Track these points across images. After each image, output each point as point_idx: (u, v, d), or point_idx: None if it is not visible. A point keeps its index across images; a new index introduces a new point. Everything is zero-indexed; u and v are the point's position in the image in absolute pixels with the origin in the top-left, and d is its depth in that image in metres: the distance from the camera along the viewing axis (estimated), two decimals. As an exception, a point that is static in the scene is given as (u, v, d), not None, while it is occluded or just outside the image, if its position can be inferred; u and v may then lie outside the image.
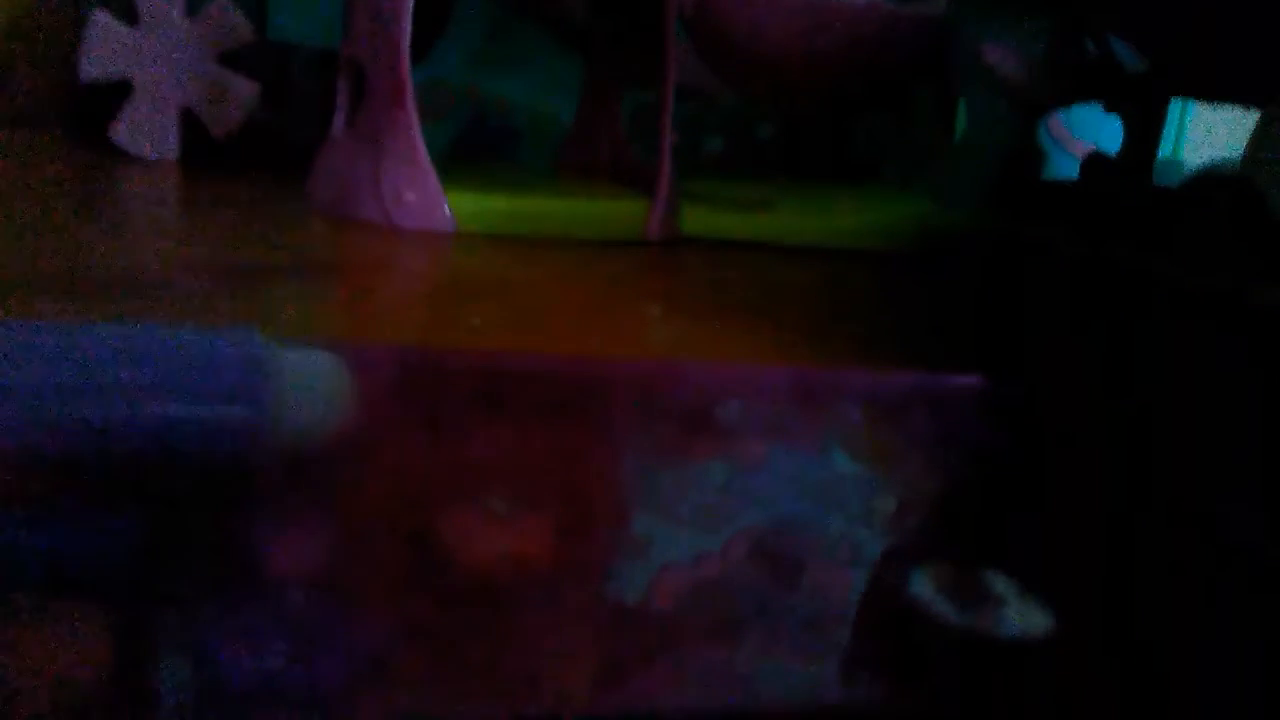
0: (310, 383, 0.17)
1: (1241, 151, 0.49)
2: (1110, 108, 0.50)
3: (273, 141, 0.49)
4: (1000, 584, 0.16)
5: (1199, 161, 0.66)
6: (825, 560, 0.21)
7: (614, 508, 0.23)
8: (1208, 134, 0.72)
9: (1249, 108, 0.47)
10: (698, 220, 0.45)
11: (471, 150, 0.56)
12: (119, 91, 0.48)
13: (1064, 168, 0.61)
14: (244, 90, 0.48)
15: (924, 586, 0.15)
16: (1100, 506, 0.23)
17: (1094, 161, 0.49)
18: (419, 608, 0.18)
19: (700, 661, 0.17)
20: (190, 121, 0.49)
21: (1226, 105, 0.51)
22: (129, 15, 0.47)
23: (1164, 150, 0.59)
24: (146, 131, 0.48)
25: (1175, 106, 0.67)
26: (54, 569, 0.15)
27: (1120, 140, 0.50)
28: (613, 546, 0.21)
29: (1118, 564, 0.20)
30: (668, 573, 0.20)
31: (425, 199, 0.40)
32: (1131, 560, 0.20)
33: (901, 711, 0.16)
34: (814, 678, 0.17)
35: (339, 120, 0.42)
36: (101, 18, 0.47)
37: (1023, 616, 0.15)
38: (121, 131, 0.48)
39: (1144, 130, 0.49)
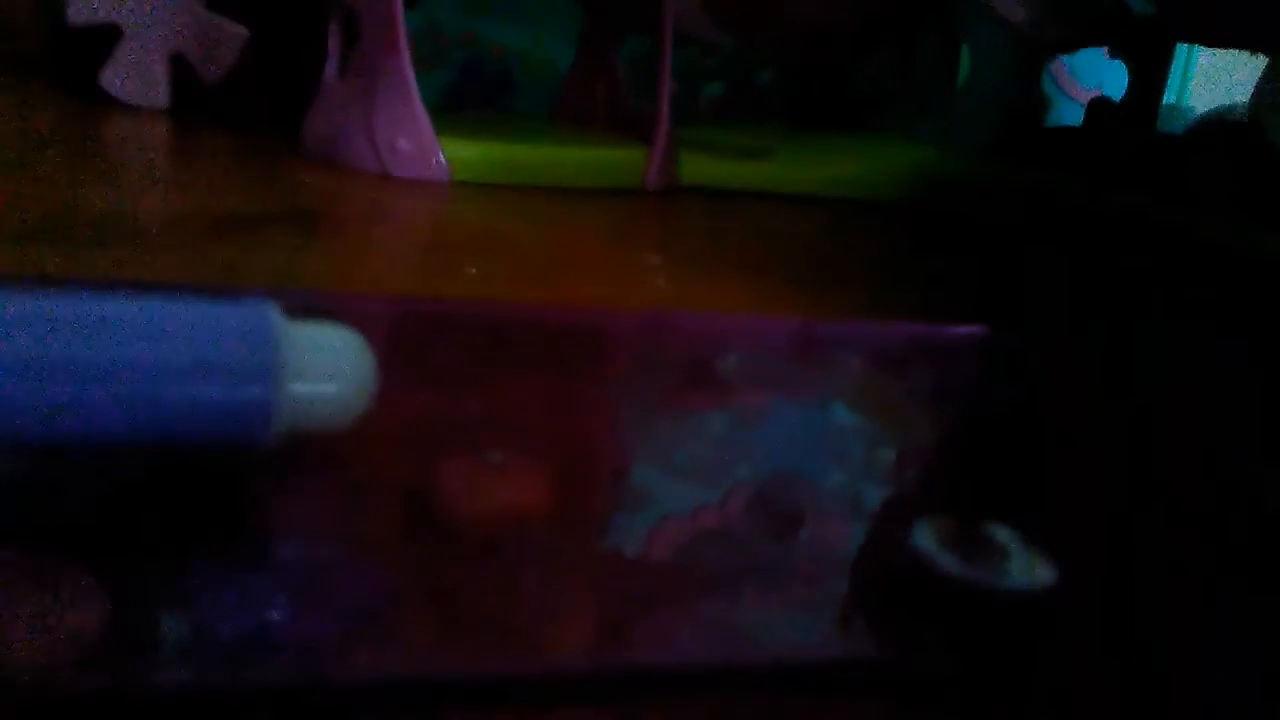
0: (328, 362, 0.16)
1: (1246, 97, 0.48)
2: (1115, 52, 0.49)
3: (264, 88, 0.49)
4: (1004, 536, 0.15)
5: (1203, 108, 0.66)
6: (825, 513, 0.21)
7: (612, 459, 0.22)
8: (1212, 80, 0.72)
9: (1254, 53, 0.46)
10: (696, 169, 0.45)
11: (466, 97, 0.55)
12: (108, 37, 0.47)
13: (1068, 114, 0.61)
14: (234, 35, 0.47)
15: (927, 539, 0.15)
16: (1103, 459, 0.23)
17: (1099, 107, 0.48)
18: (414, 561, 0.17)
19: (698, 614, 0.17)
20: (180, 67, 0.48)
21: (1231, 51, 0.50)
22: (116, -41, 0.46)
23: (1168, 97, 0.58)
24: (136, 77, 0.47)
25: (1180, 53, 0.66)
26: (45, 522, 0.14)
27: (1123, 87, 0.49)
28: (610, 499, 0.21)
29: (1121, 521, 0.20)
30: (665, 525, 0.20)
31: (419, 147, 0.39)
32: (1135, 522, 0.20)
33: (902, 665, 0.16)
34: (814, 631, 0.17)
35: (331, 67, 0.41)
36: (88, -39, 0.46)
37: (1027, 569, 0.15)
38: (110, 78, 0.47)
39: (1149, 76, 0.48)
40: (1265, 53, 0.44)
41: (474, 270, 0.27)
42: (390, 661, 0.15)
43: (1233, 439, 0.23)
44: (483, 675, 0.15)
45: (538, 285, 0.27)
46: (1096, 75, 0.62)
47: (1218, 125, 0.44)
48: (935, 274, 0.35)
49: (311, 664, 0.14)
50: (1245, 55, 0.48)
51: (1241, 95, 0.56)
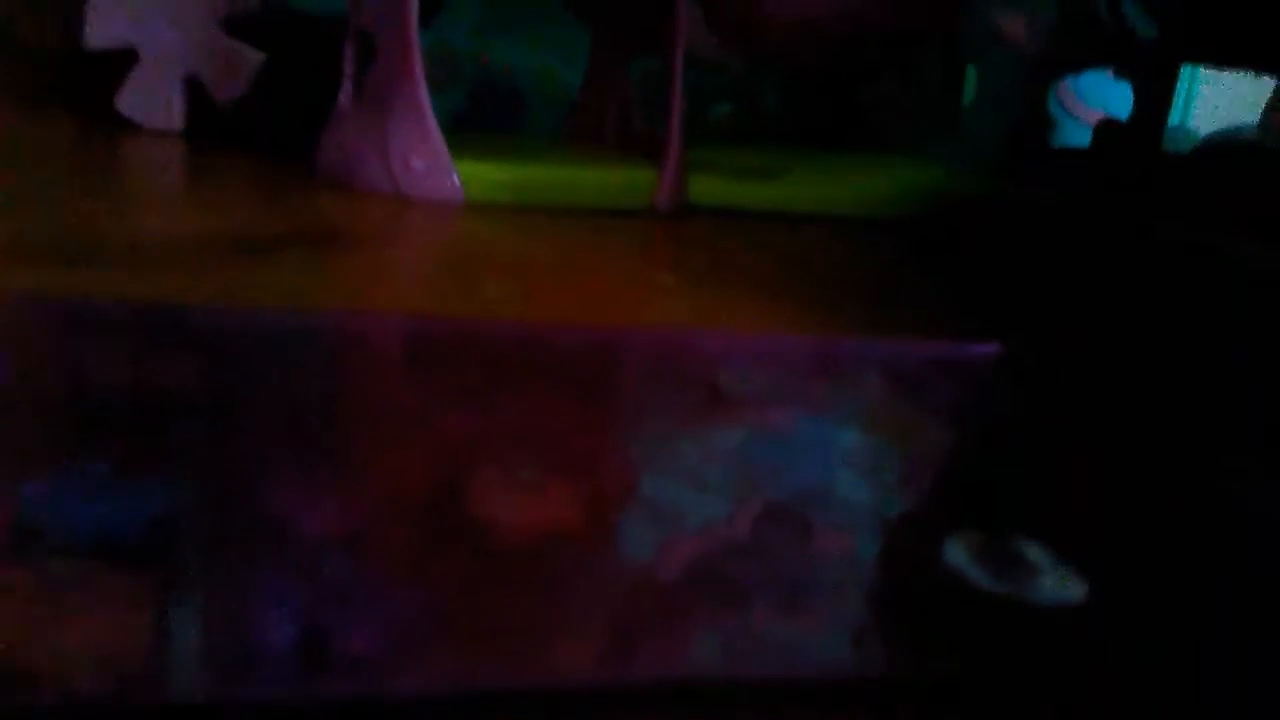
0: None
1: (1251, 118, 0.48)
2: (1121, 73, 0.50)
3: (279, 110, 0.49)
4: (1035, 553, 0.16)
5: (1207, 130, 0.66)
6: (837, 528, 0.21)
7: (627, 477, 0.23)
8: (1216, 102, 0.72)
9: (1259, 75, 0.46)
10: (706, 189, 0.45)
11: (477, 117, 0.55)
12: (123, 60, 0.48)
13: (1073, 135, 0.61)
14: (250, 58, 0.48)
15: (958, 554, 0.15)
16: (1114, 468, 0.23)
17: (1106, 128, 0.49)
18: (439, 577, 0.18)
19: (711, 628, 0.17)
20: (195, 90, 0.48)
21: (1237, 72, 0.50)
22: (132, -17, 0.47)
23: (1173, 119, 0.58)
24: (151, 101, 0.48)
25: (1183, 75, 0.66)
26: (90, 537, 0.15)
27: (1128, 109, 0.49)
28: (626, 515, 0.21)
29: (1141, 529, 0.20)
30: (680, 540, 0.20)
31: (434, 168, 0.39)
32: (1155, 525, 0.20)
33: (910, 678, 0.16)
34: (825, 645, 0.17)
35: (346, 88, 0.42)
36: (105, -15, 0.46)
37: (1059, 585, 0.15)
38: (126, 101, 0.48)
39: (1154, 97, 0.48)
40: (1270, 74, 0.44)
41: (493, 291, 0.27)
42: (419, 672, 0.15)
43: (1244, 450, 0.24)
44: (493, 689, 0.15)
45: (554, 305, 0.27)
46: (1102, 96, 0.62)
47: (1227, 145, 0.45)
48: (946, 292, 0.35)
49: (344, 675, 0.14)
50: (1248, 77, 0.48)
51: (1246, 116, 0.56)
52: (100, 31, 0.47)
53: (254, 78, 0.48)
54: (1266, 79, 0.46)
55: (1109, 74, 0.51)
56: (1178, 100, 0.65)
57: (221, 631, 0.14)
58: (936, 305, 0.33)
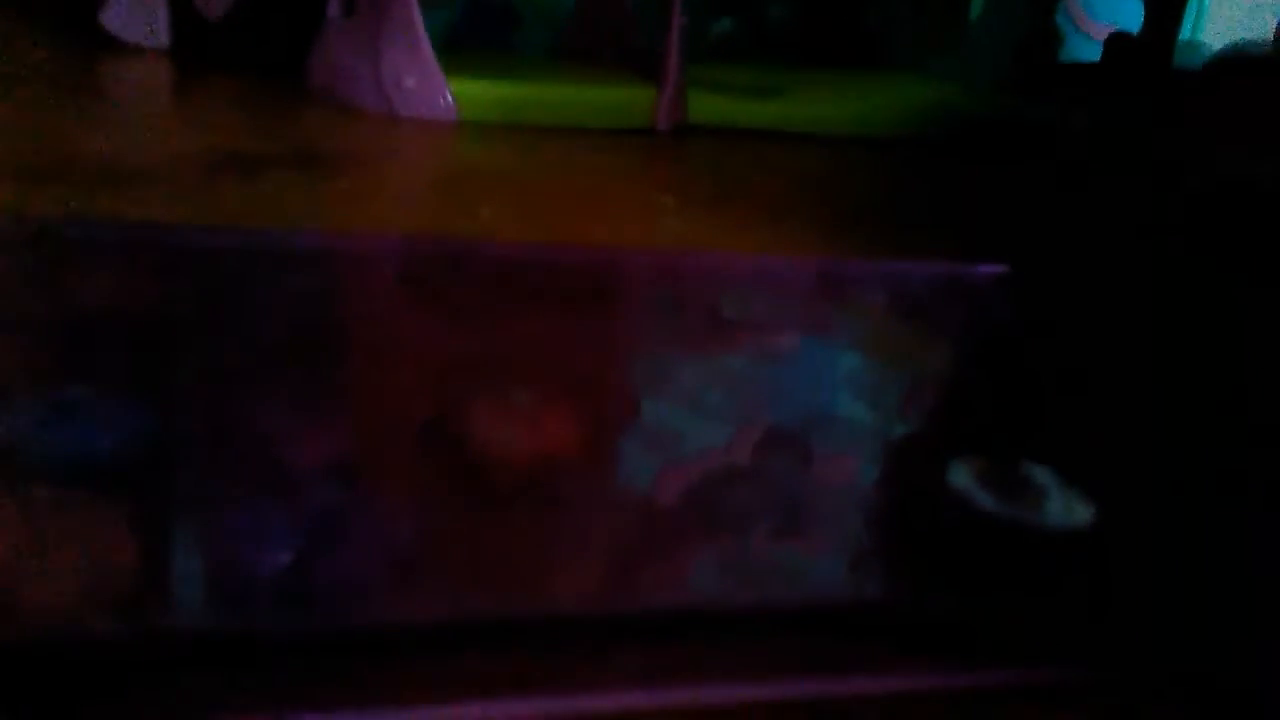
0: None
1: (1264, 31, 0.47)
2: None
3: (267, 27, 0.48)
4: (1042, 476, 0.15)
5: (1218, 43, 0.65)
6: (838, 452, 0.21)
7: (627, 402, 0.22)
8: (1227, 14, 0.70)
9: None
10: (706, 108, 0.44)
11: (469, 34, 0.54)
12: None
13: (1082, 50, 0.60)
14: (235, -27, 0.47)
15: (963, 477, 0.15)
16: (1125, 391, 0.23)
17: (1116, 43, 0.48)
18: (433, 504, 0.17)
19: (710, 555, 0.17)
20: (181, 6, 0.47)
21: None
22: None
23: (1184, 33, 0.57)
24: (137, 17, 0.47)
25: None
26: (74, 463, 0.14)
27: (1137, 23, 0.48)
28: (624, 441, 0.21)
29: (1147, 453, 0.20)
30: (680, 466, 0.20)
31: (426, 86, 0.39)
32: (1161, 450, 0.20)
33: (913, 604, 0.16)
34: (826, 572, 0.17)
35: (335, 4, 0.41)
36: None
37: (1066, 508, 0.15)
38: (111, 17, 0.47)
39: (1165, 8, 0.47)
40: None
41: (487, 212, 0.27)
42: (410, 601, 0.15)
43: (1258, 368, 0.23)
44: (488, 618, 0.15)
45: (551, 226, 0.27)
46: (1110, 10, 0.61)
47: (1239, 59, 0.44)
48: (951, 211, 0.35)
49: (332, 603, 0.14)
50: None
51: (1259, 30, 0.55)
52: (81, -55, 0.46)
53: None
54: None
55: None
56: (1189, 13, 0.64)
57: (210, 560, 0.14)
58: (941, 225, 0.32)
